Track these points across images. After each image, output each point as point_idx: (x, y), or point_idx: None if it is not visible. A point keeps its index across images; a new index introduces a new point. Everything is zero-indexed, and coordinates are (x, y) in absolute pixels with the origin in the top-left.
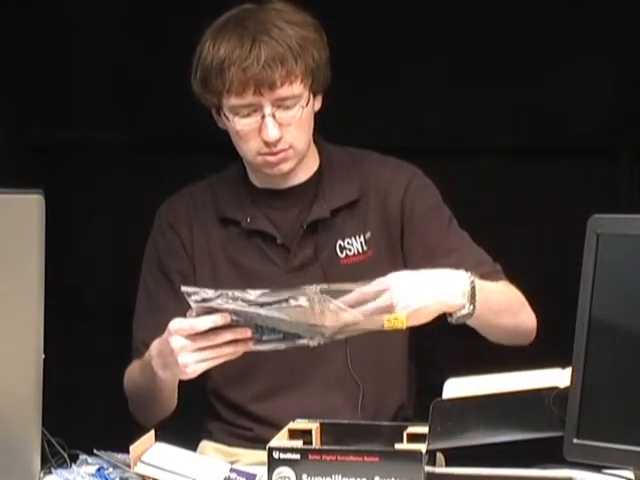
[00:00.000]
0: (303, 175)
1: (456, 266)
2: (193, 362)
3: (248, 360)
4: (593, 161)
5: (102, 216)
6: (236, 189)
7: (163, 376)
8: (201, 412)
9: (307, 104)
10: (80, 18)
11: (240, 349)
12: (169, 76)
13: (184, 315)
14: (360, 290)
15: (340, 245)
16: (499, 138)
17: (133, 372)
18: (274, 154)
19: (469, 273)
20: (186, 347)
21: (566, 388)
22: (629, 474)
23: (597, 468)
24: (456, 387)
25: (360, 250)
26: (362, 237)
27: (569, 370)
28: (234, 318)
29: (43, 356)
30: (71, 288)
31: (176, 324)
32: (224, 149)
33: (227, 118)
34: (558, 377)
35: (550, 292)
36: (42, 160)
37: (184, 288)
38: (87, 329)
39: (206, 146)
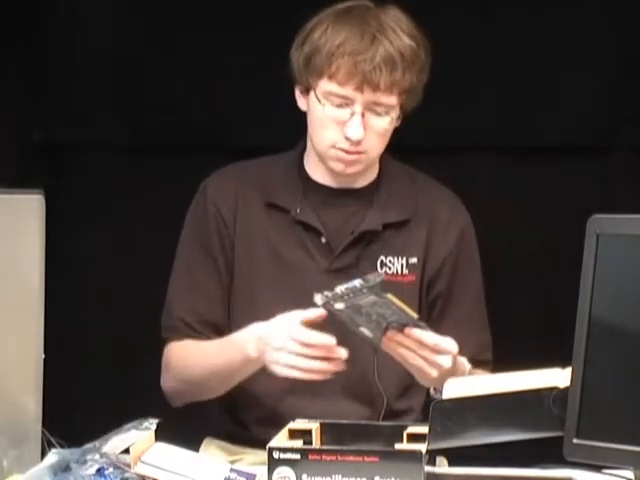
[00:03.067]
0: (361, 181)
1: (460, 339)
2: (282, 363)
3: None
4: (589, 160)
5: (103, 216)
6: (289, 176)
7: (253, 356)
8: (209, 407)
9: (397, 118)
10: (81, 17)
11: (330, 369)
12: (171, 76)
13: (224, 295)
14: (437, 339)
15: (382, 261)
16: (496, 138)
17: (202, 349)
18: (349, 153)
19: (469, 367)
20: (283, 348)
21: (566, 388)
22: (629, 474)
23: (597, 468)
24: (456, 387)
25: (399, 271)
26: (405, 259)
27: (569, 370)
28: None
29: (43, 356)
30: (71, 288)
31: (286, 327)
32: (226, 149)
33: (318, 100)
34: (558, 377)
35: (550, 292)
36: (43, 160)
37: (320, 300)
38: (87, 328)
39: (208, 146)
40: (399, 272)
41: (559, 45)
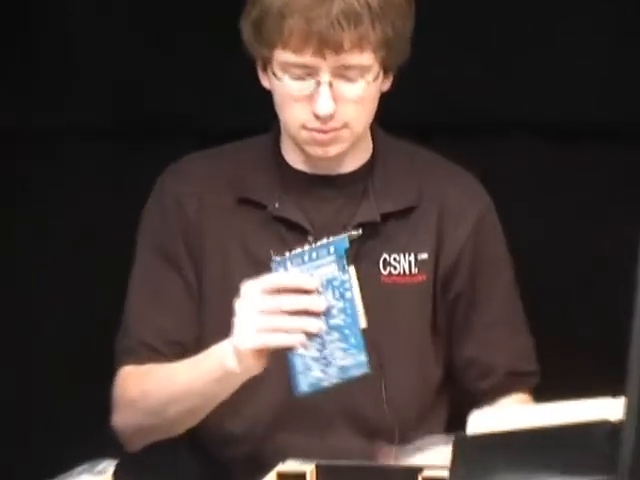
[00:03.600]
0: (351, 164)
1: (492, 348)
2: (248, 330)
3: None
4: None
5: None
6: (265, 165)
7: (233, 368)
8: (178, 445)
9: (375, 80)
10: None
11: (309, 326)
12: (136, 54)
13: (193, 309)
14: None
15: (385, 259)
16: (530, 114)
17: (170, 369)
18: (324, 132)
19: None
20: (250, 308)
21: (619, 421)
22: None
23: None
24: (483, 420)
25: (407, 271)
26: (413, 256)
27: (623, 399)
28: None
29: None
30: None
31: (253, 287)
32: (195, 132)
33: (275, 75)
34: (609, 408)
35: (593, 299)
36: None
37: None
38: (34, 341)
39: (172, 130)
40: (407, 271)
41: (568, 21)
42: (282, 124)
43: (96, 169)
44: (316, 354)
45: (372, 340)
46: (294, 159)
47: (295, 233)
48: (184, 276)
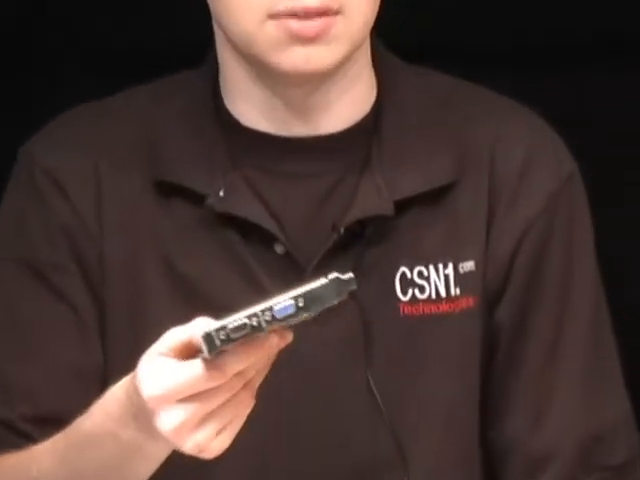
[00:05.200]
0: (342, 116)
1: (547, 419)
2: (211, 437)
3: None
4: None
5: None
6: (197, 125)
7: (152, 448)
8: None
9: None
10: None
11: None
12: None
13: (87, 361)
14: None
15: (404, 275)
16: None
17: (34, 456)
18: (308, 16)
19: None
20: (188, 422)
21: None
22: None
23: None
24: None
25: (443, 292)
26: (451, 267)
27: None
28: None
29: None
30: None
31: (164, 383)
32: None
33: None
34: None
35: None
36: None
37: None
38: None
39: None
40: (442, 293)
41: None
42: (228, 31)
43: None
44: None
45: (387, 412)
46: (245, 112)
47: (253, 240)
48: (71, 304)
